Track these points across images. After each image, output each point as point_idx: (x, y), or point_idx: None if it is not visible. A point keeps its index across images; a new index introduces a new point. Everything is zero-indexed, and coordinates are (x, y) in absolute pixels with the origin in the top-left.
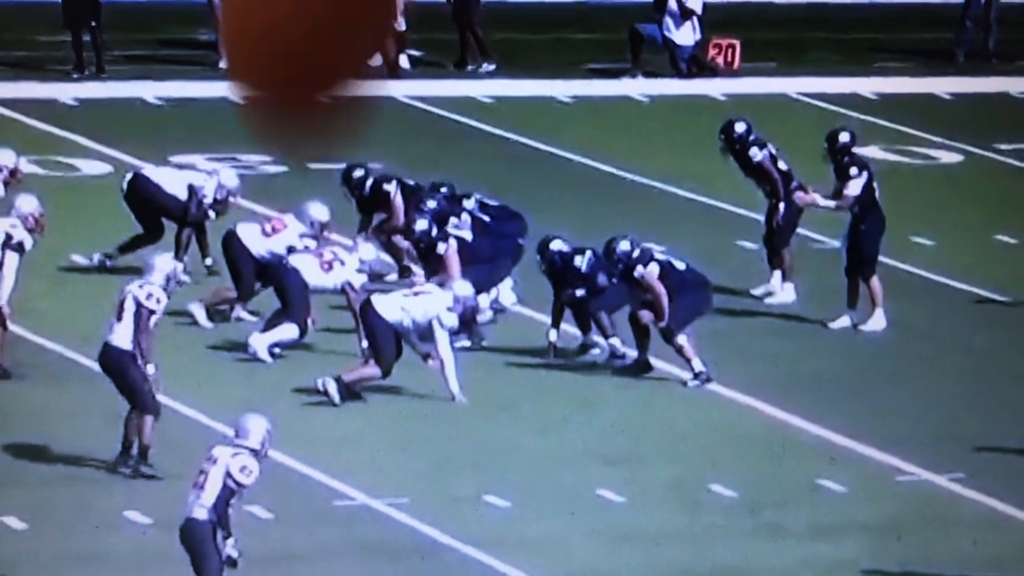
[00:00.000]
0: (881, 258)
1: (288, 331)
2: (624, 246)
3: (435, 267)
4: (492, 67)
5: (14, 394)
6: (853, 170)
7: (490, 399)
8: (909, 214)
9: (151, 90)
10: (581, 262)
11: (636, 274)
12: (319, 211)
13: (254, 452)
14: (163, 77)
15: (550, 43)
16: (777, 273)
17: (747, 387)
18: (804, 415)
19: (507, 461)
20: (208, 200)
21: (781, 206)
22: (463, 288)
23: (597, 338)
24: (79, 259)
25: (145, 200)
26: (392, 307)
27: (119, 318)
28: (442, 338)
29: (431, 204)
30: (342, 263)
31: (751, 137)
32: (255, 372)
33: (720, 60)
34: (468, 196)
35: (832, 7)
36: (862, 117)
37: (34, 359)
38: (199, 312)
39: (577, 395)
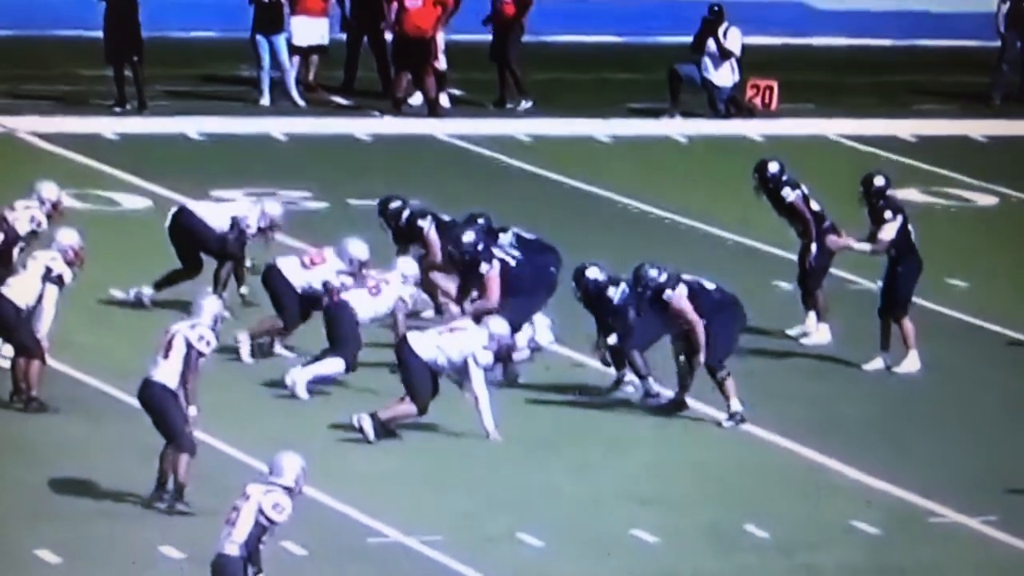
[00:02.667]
0: (915, 300)
1: (333, 365)
2: (651, 272)
3: (474, 285)
4: (529, 104)
5: (51, 428)
6: (887, 214)
7: (525, 438)
8: (944, 256)
9: (193, 125)
10: (614, 294)
11: (664, 297)
12: (358, 249)
13: (288, 490)
14: (205, 113)
15: (590, 83)
16: (812, 314)
17: (781, 428)
18: (838, 456)
19: (541, 500)
20: (252, 230)
21: (813, 247)
22: (498, 325)
23: (631, 376)
24: (118, 293)
25: (188, 234)
26: (427, 345)
27: (165, 356)
28: (477, 376)
29: (469, 236)
30: (387, 282)
31: (784, 177)
32: (291, 408)
33: (758, 101)
34: (505, 230)
35: (870, 50)
36: (899, 159)
37: (71, 393)
38: (244, 343)
39: (612, 435)
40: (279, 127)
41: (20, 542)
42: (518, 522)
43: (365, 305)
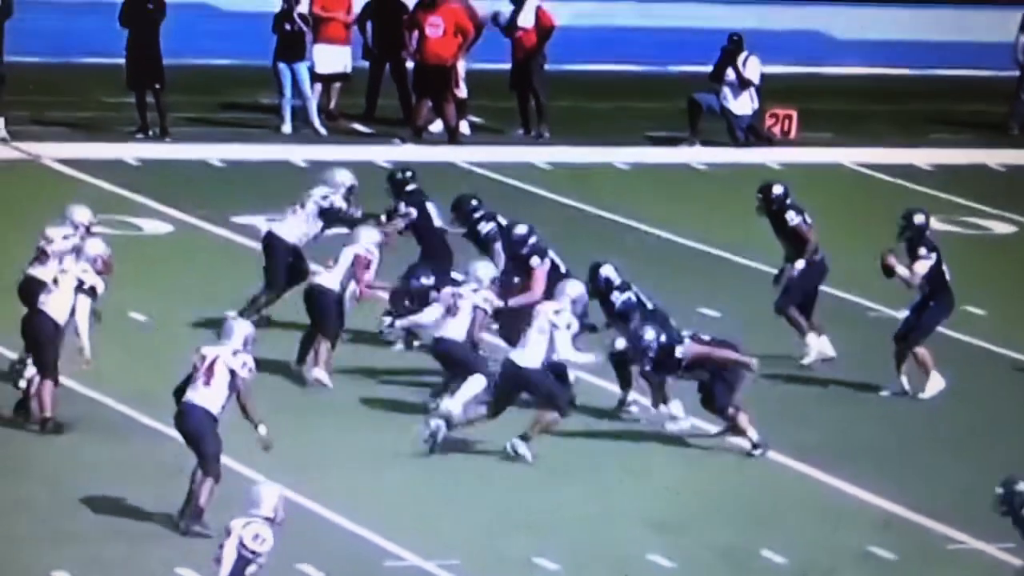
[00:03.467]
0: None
1: (476, 383)
2: (648, 335)
3: (520, 275)
4: (547, 134)
5: (69, 448)
6: (922, 250)
7: (542, 461)
8: (962, 284)
9: (214, 152)
10: (617, 298)
11: (679, 355)
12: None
13: (268, 520)
14: (226, 140)
15: (609, 111)
16: (811, 335)
17: (798, 453)
18: (854, 481)
19: (558, 524)
20: (341, 205)
21: (800, 263)
22: (575, 288)
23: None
24: (137, 316)
25: (268, 254)
26: (531, 357)
27: (207, 382)
28: (563, 342)
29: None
30: (461, 296)
31: (788, 200)
32: (308, 430)
33: (777, 130)
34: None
35: (888, 79)
36: (917, 187)
37: (89, 413)
38: (324, 377)
39: (628, 459)
40: (300, 154)
41: (38, 563)
42: (535, 546)
43: (454, 328)
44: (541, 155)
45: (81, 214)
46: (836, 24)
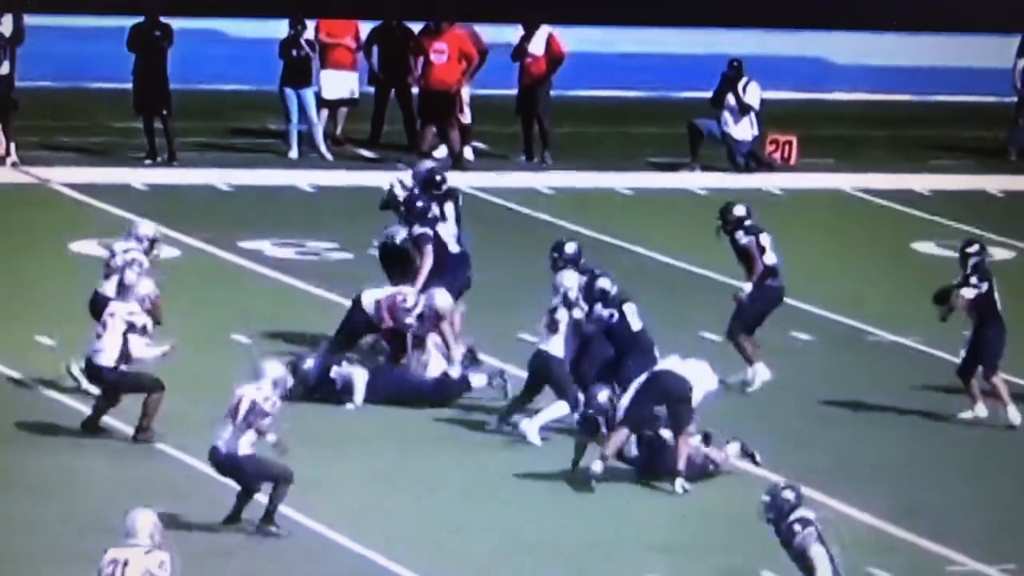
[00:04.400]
0: (933, 351)
1: (560, 408)
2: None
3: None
4: (550, 160)
5: (79, 469)
6: (973, 279)
7: (544, 484)
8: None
9: (221, 177)
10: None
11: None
12: (443, 298)
13: (149, 549)
14: (233, 164)
15: (611, 136)
16: (759, 364)
17: (799, 475)
18: (854, 503)
19: (561, 545)
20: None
21: (747, 286)
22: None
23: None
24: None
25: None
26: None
27: (232, 420)
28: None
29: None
30: (556, 309)
31: (747, 222)
32: (315, 452)
33: (777, 156)
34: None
35: (888, 105)
36: (916, 213)
37: (99, 435)
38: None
39: (631, 481)
40: (307, 179)
41: None
42: (538, 568)
43: (556, 344)
44: (544, 180)
45: (145, 228)
46: (836, 50)
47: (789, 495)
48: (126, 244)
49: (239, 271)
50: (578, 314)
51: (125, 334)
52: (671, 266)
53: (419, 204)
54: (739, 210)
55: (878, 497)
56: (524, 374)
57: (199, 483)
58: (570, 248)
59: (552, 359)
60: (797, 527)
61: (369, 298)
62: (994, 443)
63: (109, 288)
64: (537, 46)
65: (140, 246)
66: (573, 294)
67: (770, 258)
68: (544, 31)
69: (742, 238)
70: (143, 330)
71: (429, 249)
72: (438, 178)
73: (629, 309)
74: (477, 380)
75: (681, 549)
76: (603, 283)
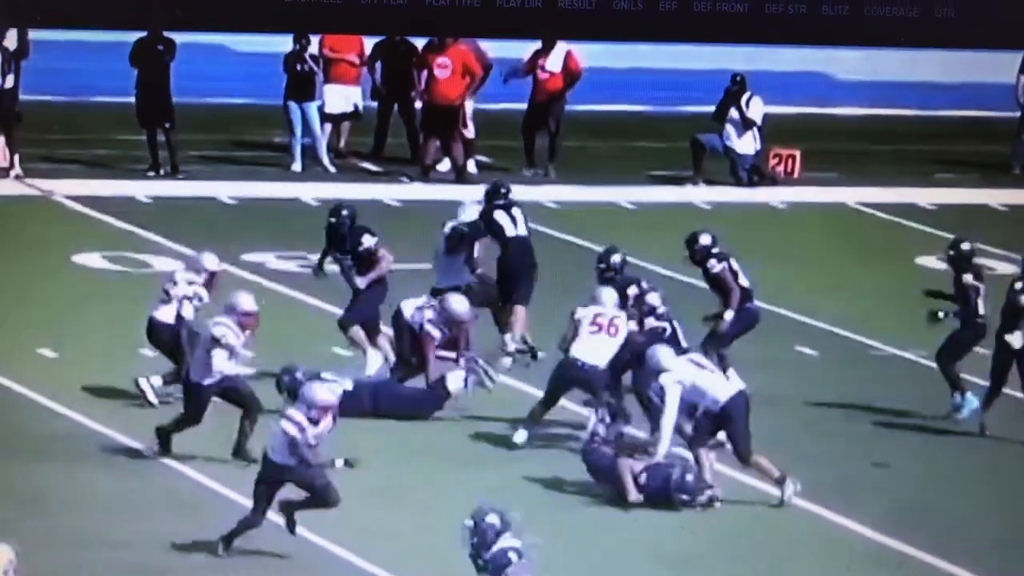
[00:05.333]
0: (934, 365)
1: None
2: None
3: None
4: (553, 174)
5: (86, 483)
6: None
7: (551, 496)
8: None
9: (225, 190)
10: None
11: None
12: (459, 303)
13: None
14: (237, 178)
15: (614, 151)
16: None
17: (808, 491)
18: (859, 518)
19: (566, 558)
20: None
21: (729, 314)
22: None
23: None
24: (148, 352)
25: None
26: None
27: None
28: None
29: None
30: (617, 316)
31: (714, 250)
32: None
33: (780, 170)
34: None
35: (891, 119)
36: (919, 227)
37: (106, 450)
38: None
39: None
40: (310, 192)
41: None
42: None
43: (606, 349)
44: (547, 194)
45: (209, 261)
46: (839, 65)
47: (494, 520)
48: (189, 275)
49: (242, 284)
50: (632, 326)
51: (212, 348)
52: (673, 280)
53: (494, 218)
54: (705, 239)
55: (882, 511)
56: (517, 382)
57: (201, 497)
58: (616, 258)
59: (594, 371)
60: (512, 556)
61: (409, 307)
62: (999, 456)
63: (165, 314)
64: (554, 63)
65: (200, 277)
66: (608, 312)
67: (744, 281)
68: (561, 48)
69: (714, 267)
70: (227, 347)
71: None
72: (503, 189)
73: (676, 325)
74: (453, 382)
75: (687, 563)
76: (652, 299)
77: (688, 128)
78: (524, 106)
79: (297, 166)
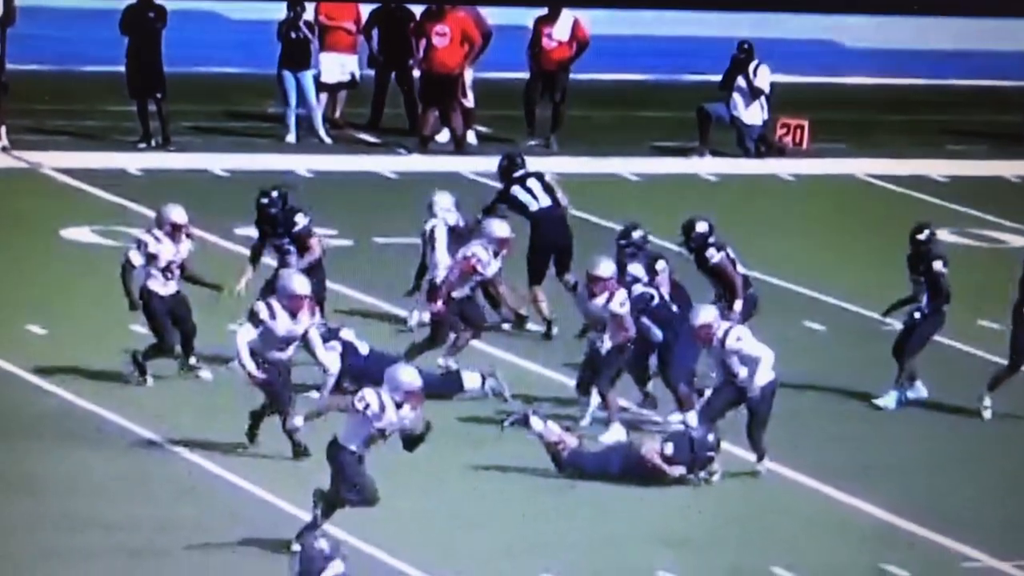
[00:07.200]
0: (947, 341)
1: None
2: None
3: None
4: (555, 146)
5: (80, 465)
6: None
7: (550, 478)
8: (977, 298)
9: (217, 162)
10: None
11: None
12: (500, 228)
13: None
14: (230, 149)
15: (616, 121)
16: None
17: (811, 470)
18: (868, 499)
19: (566, 541)
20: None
21: (738, 304)
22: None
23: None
24: (139, 330)
25: None
26: None
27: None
28: None
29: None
30: (612, 296)
31: (711, 239)
32: (317, 449)
33: (788, 140)
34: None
35: (901, 88)
36: (931, 199)
37: (101, 431)
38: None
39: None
40: (305, 164)
41: None
42: (542, 563)
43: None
44: (548, 166)
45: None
46: (848, 32)
47: (323, 545)
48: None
49: (236, 259)
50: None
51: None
52: (679, 255)
53: (513, 195)
54: (702, 226)
55: (892, 492)
56: (525, 362)
57: (198, 478)
58: (637, 234)
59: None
60: None
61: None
62: (1010, 438)
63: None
64: (562, 31)
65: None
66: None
67: (741, 268)
68: (568, 16)
69: (713, 256)
70: (253, 319)
71: None
72: (518, 160)
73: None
74: (470, 381)
75: (687, 544)
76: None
77: (693, 97)
78: (525, 75)
79: (292, 137)
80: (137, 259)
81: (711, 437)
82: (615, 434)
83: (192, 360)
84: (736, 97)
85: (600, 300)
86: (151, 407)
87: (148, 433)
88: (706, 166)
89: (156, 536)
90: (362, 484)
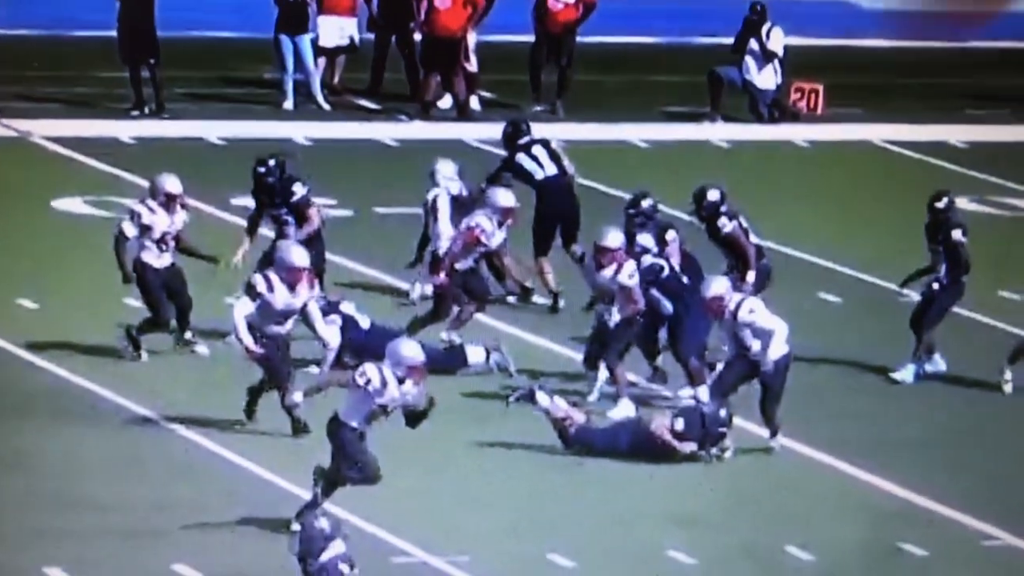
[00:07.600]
0: (967, 313)
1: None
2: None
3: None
4: (562, 113)
5: (72, 444)
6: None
7: (557, 456)
8: (997, 268)
9: (213, 130)
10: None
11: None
12: (505, 197)
13: None
14: (225, 116)
15: (625, 85)
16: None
17: (826, 446)
18: (885, 475)
19: (573, 520)
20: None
21: (750, 275)
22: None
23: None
24: (134, 303)
25: None
26: None
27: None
28: None
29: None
30: (620, 267)
31: (723, 208)
32: (317, 427)
33: (803, 105)
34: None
35: (919, 52)
36: (949, 166)
37: (94, 409)
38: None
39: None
40: (303, 131)
41: (30, 559)
42: (549, 542)
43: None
44: (555, 132)
45: (171, 183)
46: None
47: (324, 524)
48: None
49: (232, 229)
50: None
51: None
52: (690, 224)
53: (519, 163)
54: (714, 194)
55: (910, 468)
56: (531, 336)
57: (194, 457)
58: (646, 203)
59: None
60: (344, 568)
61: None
62: None
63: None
64: None
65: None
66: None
67: (754, 238)
68: None
69: (725, 225)
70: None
71: None
72: (524, 127)
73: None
74: (474, 355)
75: (699, 522)
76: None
77: (705, 61)
78: (531, 38)
79: (289, 104)
80: (131, 230)
81: (723, 412)
82: (624, 410)
83: (188, 335)
84: (749, 61)
85: (608, 272)
86: (146, 383)
87: (143, 410)
88: (718, 132)
89: (152, 516)
90: (363, 462)
